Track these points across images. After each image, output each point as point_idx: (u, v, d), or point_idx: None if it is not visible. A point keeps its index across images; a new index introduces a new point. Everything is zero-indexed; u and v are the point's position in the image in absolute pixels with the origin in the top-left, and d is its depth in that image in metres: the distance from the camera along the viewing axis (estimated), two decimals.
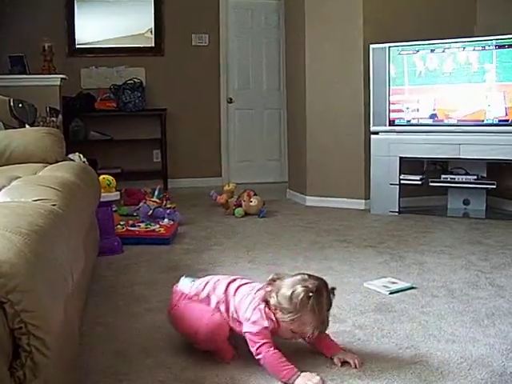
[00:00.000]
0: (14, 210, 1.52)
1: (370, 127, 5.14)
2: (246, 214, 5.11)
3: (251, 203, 5.15)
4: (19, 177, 2.43)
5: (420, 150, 4.95)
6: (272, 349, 1.99)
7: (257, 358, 1.99)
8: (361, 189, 5.45)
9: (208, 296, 2.15)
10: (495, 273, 3.21)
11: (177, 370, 2.03)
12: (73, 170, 2.80)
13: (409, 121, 5.00)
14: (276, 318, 2.01)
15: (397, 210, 5.07)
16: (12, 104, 4.03)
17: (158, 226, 4.22)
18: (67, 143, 3.80)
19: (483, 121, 4.70)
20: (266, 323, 2.01)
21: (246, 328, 2.04)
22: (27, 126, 4.09)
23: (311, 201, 5.70)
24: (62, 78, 5.65)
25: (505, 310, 2.61)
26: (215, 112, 7.41)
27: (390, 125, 5.05)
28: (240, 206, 5.16)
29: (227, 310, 2.11)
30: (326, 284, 2.03)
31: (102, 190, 3.54)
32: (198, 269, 3.36)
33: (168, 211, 4.59)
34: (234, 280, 2.20)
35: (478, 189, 4.97)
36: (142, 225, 4.24)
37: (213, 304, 2.13)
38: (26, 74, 5.63)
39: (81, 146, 5.31)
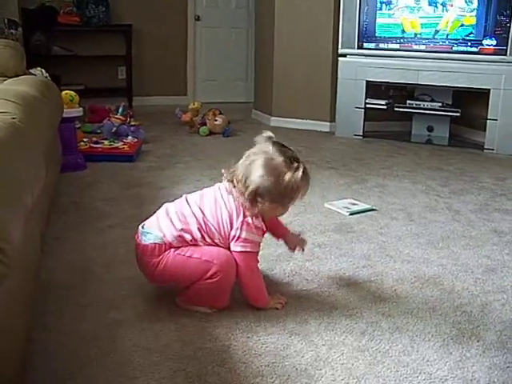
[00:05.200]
0: None
1: (338, 49, 5.09)
2: (211, 132, 5.09)
3: (216, 122, 5.12)
4: None
5: (387, 74, 4.93)
6: (259, 271, 1.93)
7: (243, 278, 1.86)
8: (326, 111, 5.45)
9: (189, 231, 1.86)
10: (453, 198, 3.30)
11: (139, 283, 2.06)
12: (34, 84, 2.73)
13: (377, 45, 4.96)
14: (261, 214, 1.85)
15: (361, 134, 5.10)
16: None
17: (121, 143, 4.18)
18: (28, 58, 3.69)
19: (451, 48, 4.69)
20: (258, 238, 1.86)
21: (238, 247, 1.84)
22: None
23: (276, 121, 5.68)
24: None
25: (459, 234, 2.70)
26: (182, 30, 7.22)
27: (358, 48, 5.00)
28: (205, 124, 5.13)
29: (210, 235, 1.87)
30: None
31: (65, 106, 3.48)
32: (160, 186, 3.38)
33: (132, 128, 4.53)
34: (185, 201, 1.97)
35: (443, 116, 5.00)
36: (106, 142, 4.20)
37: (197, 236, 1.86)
38: None
39: (43, 61, 5.15)
